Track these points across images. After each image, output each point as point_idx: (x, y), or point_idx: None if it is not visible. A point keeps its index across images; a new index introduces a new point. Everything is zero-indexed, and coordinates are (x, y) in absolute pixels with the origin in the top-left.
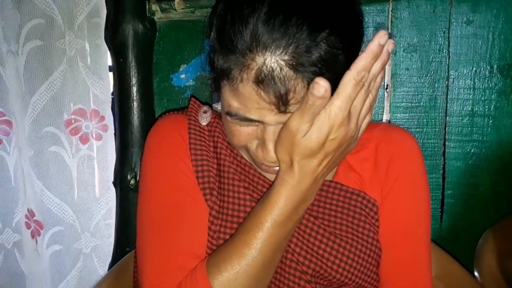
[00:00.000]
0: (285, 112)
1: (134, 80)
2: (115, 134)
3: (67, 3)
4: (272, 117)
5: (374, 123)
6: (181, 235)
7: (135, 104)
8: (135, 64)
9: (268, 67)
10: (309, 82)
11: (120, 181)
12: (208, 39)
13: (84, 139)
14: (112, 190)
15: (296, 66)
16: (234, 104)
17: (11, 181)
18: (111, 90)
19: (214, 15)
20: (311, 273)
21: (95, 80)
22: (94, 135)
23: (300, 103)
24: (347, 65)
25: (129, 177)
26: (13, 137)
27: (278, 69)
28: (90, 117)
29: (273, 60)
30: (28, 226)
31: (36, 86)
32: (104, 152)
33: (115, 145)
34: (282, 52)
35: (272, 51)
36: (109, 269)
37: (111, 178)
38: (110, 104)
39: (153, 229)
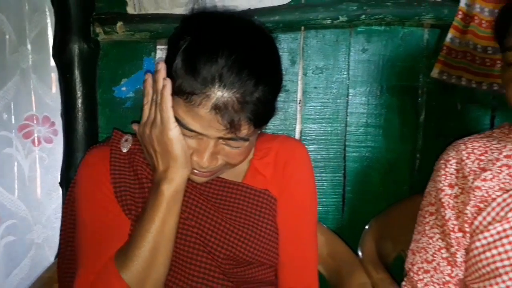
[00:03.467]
0: (234, 134)
1: (79, 93)
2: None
3: (20, 21)
4: (215, 134)
5: (275, 135)
6: (106, 244)
7: (80, 114)
8: (80, 79)
9: (224, 99)
10: (250, 116)
11: (66, 182)
12: (168, 61)
13: (36, 142)
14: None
15: (243, 102)
16: (187, 119)
17: None
18: (59, 98)
19: (178, 44)
20: (222, 257)
21: (46, 90)
22: (45, 139)
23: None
24: (273, 104)
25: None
26: None
27: (231, 102)
28: (42, 123)
29: (228, 96)
30: None
31: None
32: (54, 153)
33: (63, 149)
34: (235, 91)
35: (228, 89)
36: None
37: (60, 178)
38: (59, 111)
39: (85, 241)
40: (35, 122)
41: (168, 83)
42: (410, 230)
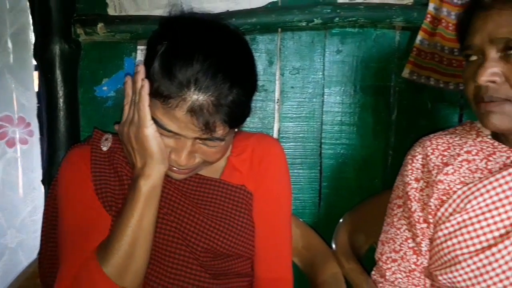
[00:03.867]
0: (210, 135)
1: (60, 93)
2: (40, 139)
3: None
4: (192, 134)
5: (251, 133)
6: (88, 239)
7: (62, 113)
8: (61, 78)
9: (200, 102)
10: (224, 118)
11: (48, 180)
12: (147, 63)
13: (11, 143)
14: (38, 189)
15: (218, 105)
16: (165, 120)
17: None
18: (36, 99)
19: (156, 48)
20: (200, 249)
21: (21, 90)
22: (20, 140)
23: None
24: (248, 105)
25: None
26: None
27: (206, 105)
28: (17, 124)
29: (203, 99)
30: None
31: None
32: (30, 155)
33: (43, 148)
34: (210, 95)
35: (203, 93)
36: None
37: (37, 178)
38: (36, 112)
39: (66, 237)
40: (10, 123)
41: (146, 84)
42: (382, 223)
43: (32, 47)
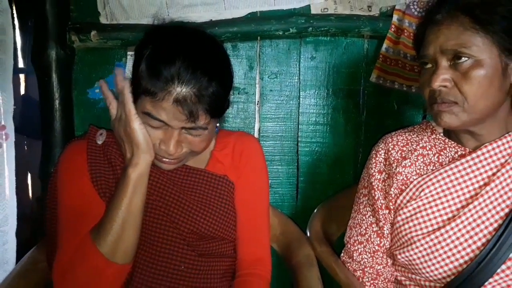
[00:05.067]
0: (194, 123)
1: (56, 95)
2: (15, 143)
3: None
4: (178, 124)
5: (233, 131)
6: (83, 223)
7: (58, 113)
8: (57, 82)
9: (183, 94)
10: (206, 107)
11: (44, 175)
12: (134, 66)
13: None
14: (10, 197)
15: (199, 96)
16: (154, 112)
17: None
18: (12, 102)
19: (142, 52)
20: (187, 231)
21: None
22: None
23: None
24: (226, 99)
25: (52, 171)
26: None
27: (189, 96)
28: None
29: (186, 91)
30: None
31: None
32: (2, 160)
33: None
34: (192, 87)
35: (186, 85)
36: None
37: (9, 186)
38: (11, 114)
39: (64, 221)
40: None
41: (127, 84)
42: (351, 213)
43: (11, 48)
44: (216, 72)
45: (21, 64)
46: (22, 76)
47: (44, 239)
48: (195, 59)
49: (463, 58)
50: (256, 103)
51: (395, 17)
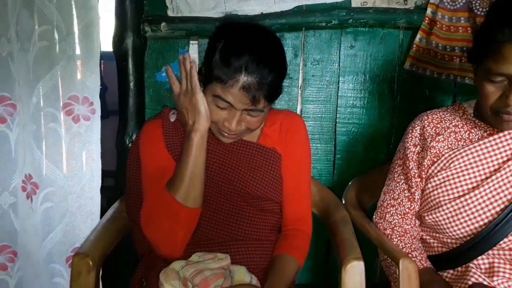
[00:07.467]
0: (255, 106)
1: (131, 77)
2: (101, 116)
3: (69, 15)
4: (242, 106)
5: (281, 110)
6: (162, 179)
7: (132, 93)
8: (132, 66)
9: (248, 82)
10: (265, 93)
11: (121, 144)
12: (207, 56)
13: (76, 119)
14: (96, 161)
15: (260, 84)
16: (223, 95)
17: (11, 152)
18: (99, 82)
19: (215, 45)
20: (242, 191)
21: (87, 74)
22: (83, 117)
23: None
24: (280, 86)
25: (127, 141)
26: (16, 117)
27: (253, 84)
28: (82, 102)
29: (251, 79)
30: (24, 189)
31: (40, 76)
32: (91, 131)
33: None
34: (255, 77)
35: (251, 75)
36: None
37: (96, 151)
38: (98, 93)
39: (147, 179)
40: (76, 101)
41: (193, 64)
42: (383, 186)
43: (99, 38)
44: (275, 65)
45: None
46: None
47: (124, 195)
48: (259, 53)
49: None
50: (299, 87)
51: (429, 10)
